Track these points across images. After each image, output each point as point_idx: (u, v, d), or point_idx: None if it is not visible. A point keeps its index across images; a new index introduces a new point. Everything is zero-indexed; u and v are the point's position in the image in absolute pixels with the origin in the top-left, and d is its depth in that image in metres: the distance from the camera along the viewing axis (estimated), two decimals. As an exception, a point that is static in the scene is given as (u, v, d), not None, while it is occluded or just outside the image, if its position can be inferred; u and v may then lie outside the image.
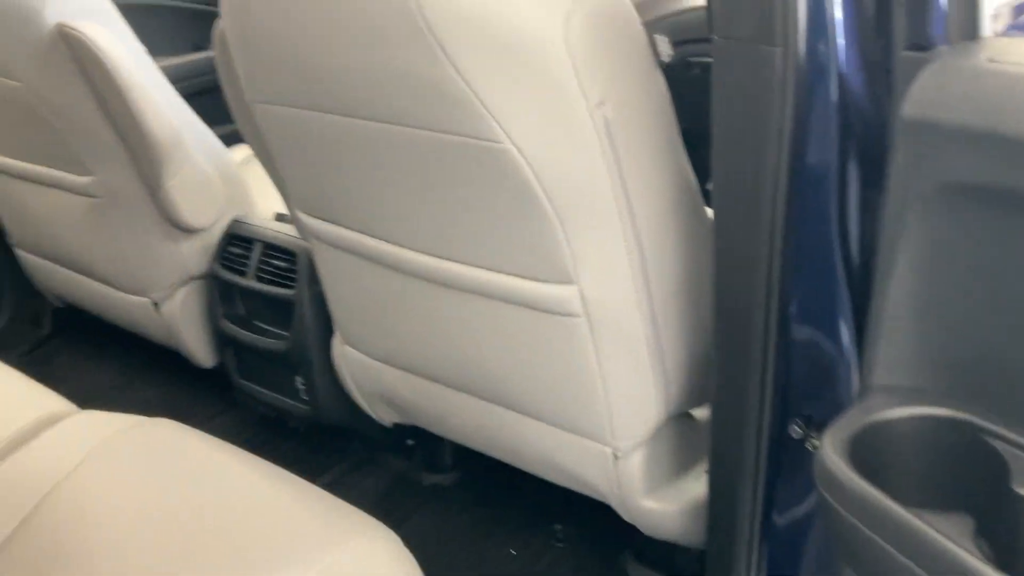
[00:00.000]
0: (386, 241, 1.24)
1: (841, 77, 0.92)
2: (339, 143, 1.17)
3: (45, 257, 2.07)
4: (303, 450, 1.87)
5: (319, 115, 1.15)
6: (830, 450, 0.85)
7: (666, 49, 1.68)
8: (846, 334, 1.04)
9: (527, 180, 1.02)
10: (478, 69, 0.96)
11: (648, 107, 1.04)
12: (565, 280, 1.10)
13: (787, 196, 0.94)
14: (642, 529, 1.34)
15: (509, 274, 1.15)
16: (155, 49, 1.72)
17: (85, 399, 1.32)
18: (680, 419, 1.26)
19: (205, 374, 1.96)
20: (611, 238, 1.05)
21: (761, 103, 0.91)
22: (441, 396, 1.42)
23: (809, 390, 1.07)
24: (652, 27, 1.70)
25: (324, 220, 1.33)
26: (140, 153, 1.63)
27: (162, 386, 2.10)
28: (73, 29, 1.53)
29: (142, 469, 1.16)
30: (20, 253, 2.14)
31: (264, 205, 1.83)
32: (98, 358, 2.23)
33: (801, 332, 1.04)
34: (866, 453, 0.86)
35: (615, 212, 1.04)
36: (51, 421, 1.30)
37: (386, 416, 1.62)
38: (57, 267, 2.05)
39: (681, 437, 1.27)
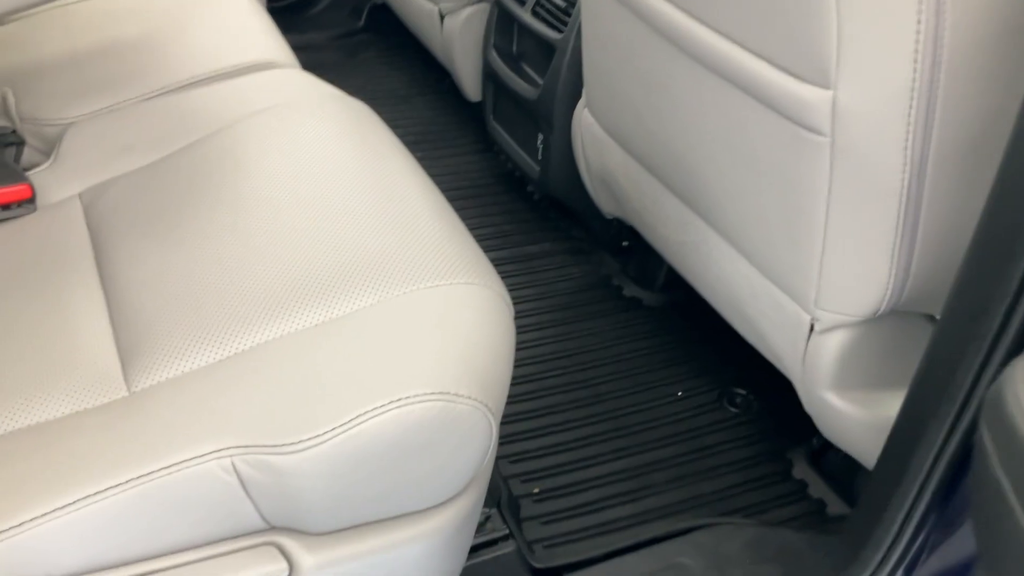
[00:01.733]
0: (669, 2, 1.03)
1: None
2: None
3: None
4: (528, 216, 1.77)
5: None
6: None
7: None
8: None
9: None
10: None
11: None
12: (820, 81, 0.84)
13: None
14: (818, 426, 1.11)
15: (764, 59, 0.90)
16: None
17: (352, 90, 1.28)
18: (905, 318, 0.99)
19: (473, 110, 1.90)
20: (897, 37, 0.77)
21: None
22: (656, 196, 1.24)
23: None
24: None
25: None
26: None
27: (430, 109, 2.06)
28: None
29: (317, 133, 1.11)
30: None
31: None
32: (389, 64, 2.24)
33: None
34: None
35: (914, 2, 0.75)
36: (268, 67, 1.28)
37: (606, 205, 1.46)
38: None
39: (898, 341, 1.00)
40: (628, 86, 1.21)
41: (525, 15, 1.55)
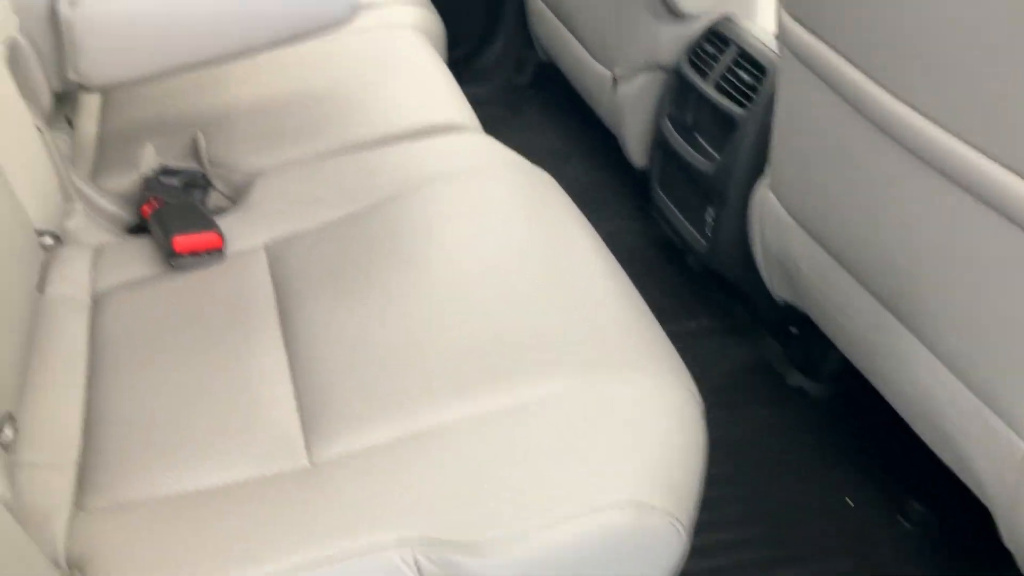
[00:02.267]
0: (886, 88, 0.96)
1: None
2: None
3: (546, 3, 2.06)
4: (687, 290, 1.71)
5: None
6: None
7: None
8: None
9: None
10: None
11: None
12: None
13: None
14: (1022, 566, 1.00)
15: (995, 158, 0.83)
16: None
17: (511, 145, 1.27)
18: None
19: (629, 171, 1.86)
20: None
21: None
22: (845, 289, 1.16)
23: None
24: None
25: (813, 33, 1.08)
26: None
27: (590, 170, 2.04)
28: None
29: (502, 202, 1.09)
30: (528, -6, 2.16)
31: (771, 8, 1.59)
32: (551, 122, 2.23)
33: None
34: None
35: None
36: (453, 129, 1.28)
37: (779, 289, 1.39)
38: (551, 16, 2.03)
39: None
40: (824, 171, 1.15)
41: (707, 87, 1.51)
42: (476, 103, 1.47)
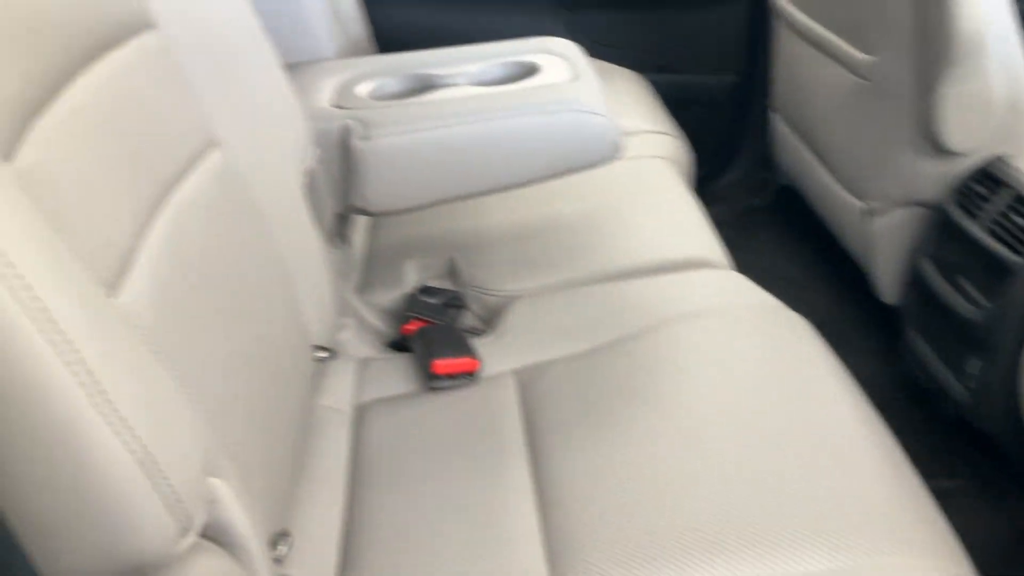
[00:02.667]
0: None
1: None
2: None
3: (792, 126, 2.03)
4: (935, 440, 1.58)
5: None
6: None
7: None
8: None
9: None
10: None
11: None
12: None
13: None
14: None
15: None
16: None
17: (746, 269, 1.25)
18: None
19: (874, 306, 1.76)
20: None
21: None
22: None
23: None
24: None
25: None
26: (930, 43, 1.42)
27: (831, 303, 1.96)
28: None
29: (754, 347, 1.07)
30: (773, 116, 2.14)
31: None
32: (789, 249, 2.17)
33: None
34: None
35: None
36: (701, 265, 1.27)
37: (1056, 455, 1.26)
38: (796, 140, 2.00)
39: None
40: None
41: (977, 230, 1.42)
42: (713, 224, 1.45)
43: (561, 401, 1.04)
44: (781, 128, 2.10)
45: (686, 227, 1.37)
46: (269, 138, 1.05)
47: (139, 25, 0.88)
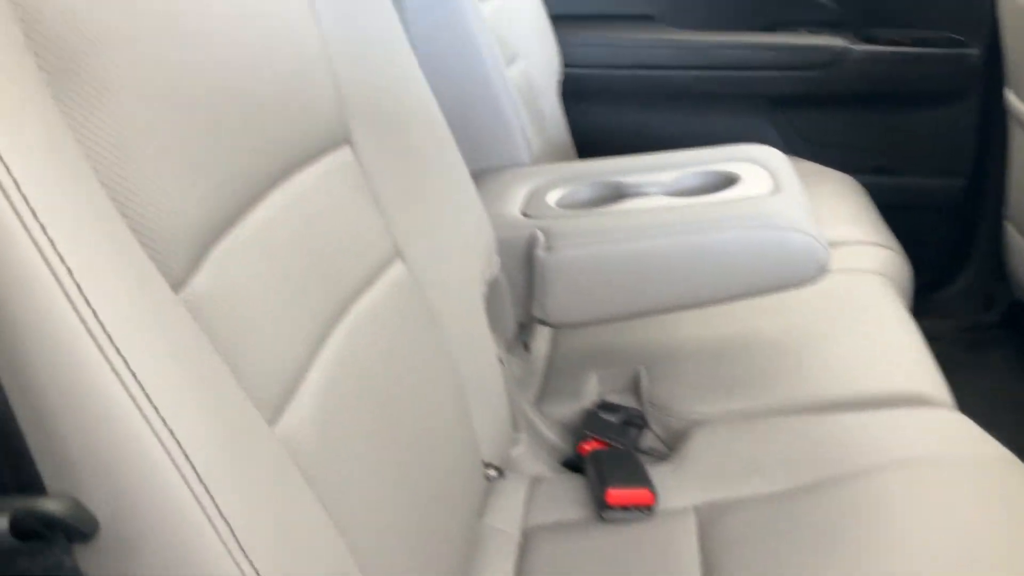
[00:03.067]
0: None
1: None
2: None
3: (1029, 239, 1.83)
4: None
5: None
6: None
7: None
8: None
9: None
10: None
11: None
12: None
13: None
14: None
15: None
16: None
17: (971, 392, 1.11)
18: None
19: None
20: None
21: None
22: None
23: None
24: None
25: None
26: None
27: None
28: None
29: (978, 507, 0.92)
30: (1008, 227, 1.94)
31: None
32: (1019, 370, 1.94)
33: None
34: None
35: None
36: (919, 402, 1.13)
37: None
38: (1036, 256, 1.80)
39: None
40: None
41: None
42: (932, 339, 1.30)
43: (747, 548, 0.94)
44: (1016, 238, 1.90)
45: (902, 355, 1.23)
46: (452, 248, 1.03)
47: (339, 140, 0.89)
